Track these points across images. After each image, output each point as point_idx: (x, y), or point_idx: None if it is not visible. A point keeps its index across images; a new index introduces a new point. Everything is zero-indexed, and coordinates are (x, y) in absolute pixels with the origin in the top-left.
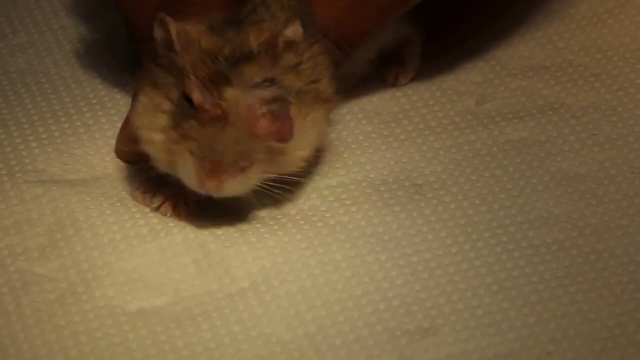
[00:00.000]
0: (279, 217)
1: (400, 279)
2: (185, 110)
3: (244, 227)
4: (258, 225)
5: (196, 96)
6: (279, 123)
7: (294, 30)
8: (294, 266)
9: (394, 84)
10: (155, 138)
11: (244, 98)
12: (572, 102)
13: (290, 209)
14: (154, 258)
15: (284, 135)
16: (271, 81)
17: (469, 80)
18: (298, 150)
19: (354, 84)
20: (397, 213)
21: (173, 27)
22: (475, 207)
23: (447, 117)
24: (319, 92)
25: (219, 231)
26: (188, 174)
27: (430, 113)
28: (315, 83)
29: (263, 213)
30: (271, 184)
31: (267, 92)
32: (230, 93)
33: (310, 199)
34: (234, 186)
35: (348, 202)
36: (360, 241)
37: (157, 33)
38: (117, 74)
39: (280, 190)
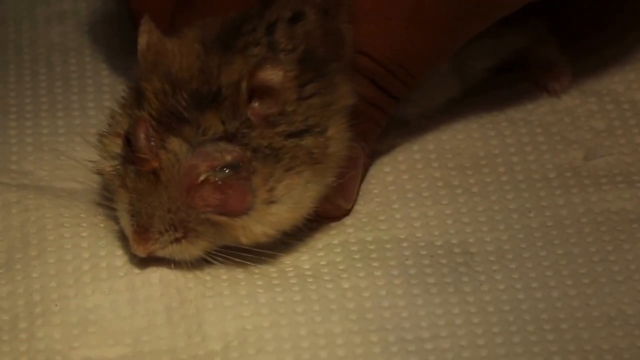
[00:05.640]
0: (288, 269)
1: None
2: (129, 149)
3: (239, 275)
4: (256, 276)
5: (136, 138)
6: (224, 195)
7: (271, 75)
8: (279, 333)
9: (552, 93)
10: (103, 165)
11: (186, 156)
12: None
13: (305, 262)
14: (121, 298)
15: (230, 209)
16: (232, 137)
17: (587, 126)
18: (257, 226)
19: (440, 111)
20: (429, 286)
21: (143, 37)
22: (529, 292)
23: (540, 171)
24: (307, 150)
25: (207, 276)
26: (123, 224)
27: (521, 163)
28: (303, 138)
29: (270, 262)
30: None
31: (218, 155)
32: (173, 145)
33: (333, 253)
34: (168, 253)
35: (375, 264)
36: (370, 314)
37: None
38: None
39: (255, 254)
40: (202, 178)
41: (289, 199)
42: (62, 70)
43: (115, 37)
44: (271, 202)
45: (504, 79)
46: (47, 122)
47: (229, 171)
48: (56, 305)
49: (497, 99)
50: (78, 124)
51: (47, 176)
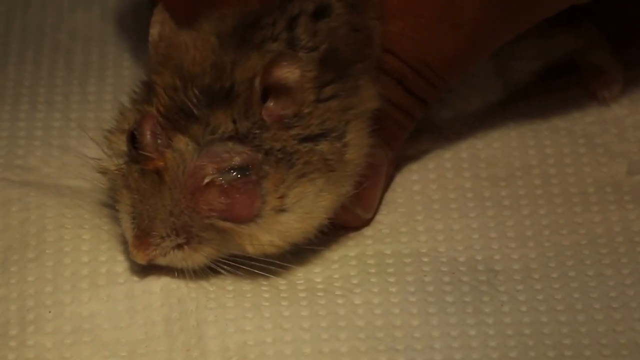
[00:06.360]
0: (299, 282)
1: None
2: (133, 147)
3: (245, 286)
4: (264, 288)
5: (141, 135)
6: (230, 199)
7: (287, 72)
8: (281, 350)
9: (601, 101)
10: (107, 163)
11: (192, 155)
12: None
13: (317, 274)
14: (119, 306)
15: (236, 215)
16: (243, 137)
17: (634, 138)
18: (265, 235)
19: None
20: (446, 304)
21: (155, 28)
22: (553, 315)
23: (578, 185)
24: (322, 156)
25: (211, 287)
26: (123, 227)
27: (559, 176)
28: (319, 143)
29: (281, 273)
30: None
31: (226, 156)
32: (179, 143)
33: (348, 266)
34: (169, 261)
35: (391, 279)
36: (381, 333)
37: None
38: None
39: (264, 264)
40: (207, 180)
41: (299, 208)
42: (82, 60)
43: (142, 29)
44: (281, 210)
45: (551, 84)
46: (59, 114)
47: (236, 174)
48: (50, 311)
49: (542, 106)
50: (92, 118)
51: (53, 173)
